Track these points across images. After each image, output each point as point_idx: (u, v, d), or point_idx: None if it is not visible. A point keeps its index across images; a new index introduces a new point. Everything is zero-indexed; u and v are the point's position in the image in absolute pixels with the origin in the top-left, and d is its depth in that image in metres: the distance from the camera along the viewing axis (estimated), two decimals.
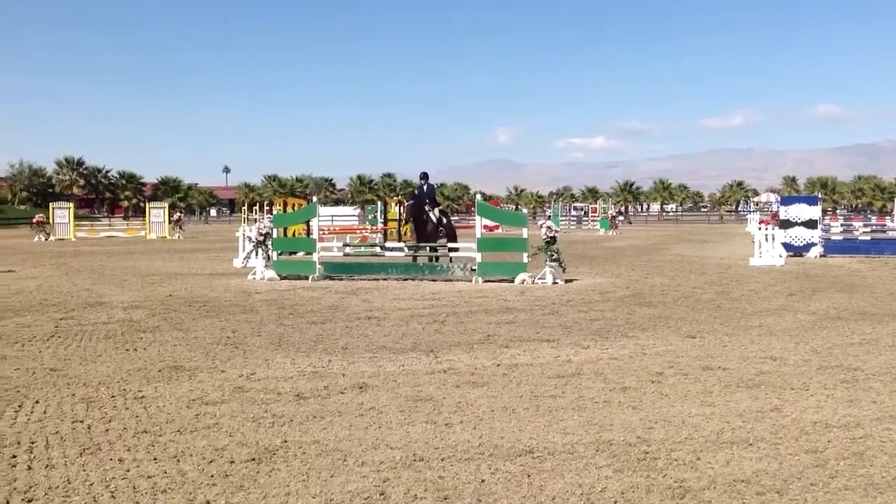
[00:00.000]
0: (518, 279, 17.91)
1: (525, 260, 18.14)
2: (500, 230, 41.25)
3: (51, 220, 48.53)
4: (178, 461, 5.46)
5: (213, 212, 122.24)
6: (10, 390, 7.64)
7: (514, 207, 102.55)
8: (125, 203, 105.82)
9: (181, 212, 64.88)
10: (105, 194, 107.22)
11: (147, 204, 58.16)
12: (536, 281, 17.79)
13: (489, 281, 18.20)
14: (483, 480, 5.11)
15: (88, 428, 6.30)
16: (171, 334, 11.09)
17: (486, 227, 20.52)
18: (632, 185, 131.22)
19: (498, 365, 8.90)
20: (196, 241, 43.47)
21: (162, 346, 10.19)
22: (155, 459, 5.49)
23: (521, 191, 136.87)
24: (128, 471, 5.24)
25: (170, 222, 51.77)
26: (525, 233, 18.41)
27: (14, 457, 5.54)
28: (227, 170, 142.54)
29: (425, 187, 21.26)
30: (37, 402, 7.19)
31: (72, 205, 53.20)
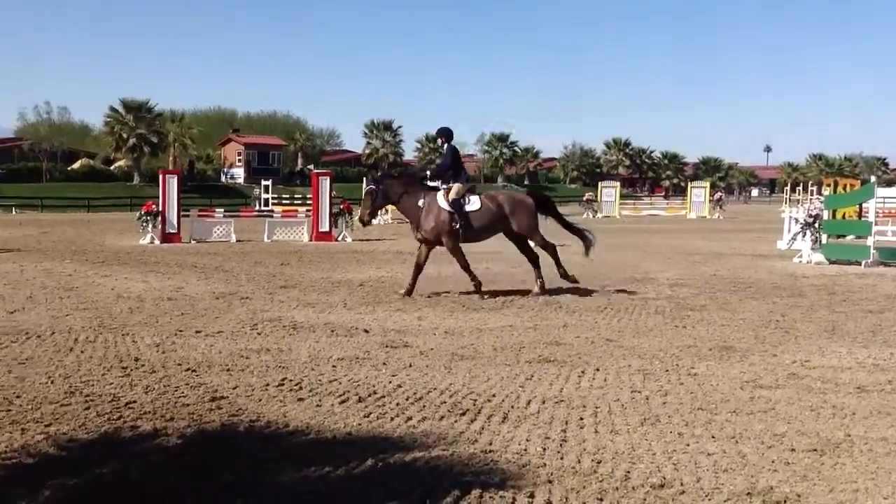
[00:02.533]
0: None
1: None
2: None
3: (598, 198, 51.61)
4: (737, 442, 5.42)
5: (753, 192, 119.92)
6: (572, 356, 8.25)
7: None
8: (666, 182, 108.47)
9: (722, 191, 64.65)
10: (647, 174, 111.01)
11: (688, 183, 59.04)
12: None
13: None
14: None
15: (646, 399, 6.55)
16: (718, 314, 11.08)
17: None
18: None
19: None
20: (736, 222, 43.08)
21: (710, 325, 10.23)
22: (713, 437, 5.51)
23: None
24: (687, 445, 5.34)
25: (710, 202, 51.90)
26: None
27: (581, 419, 5.96)
28: (768, 149, 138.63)
29: (445, 149, 13.43)
30: (597, 369, 7.66)
31: (618, 184, 56.07)
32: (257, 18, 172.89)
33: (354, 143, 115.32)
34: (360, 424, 5.78)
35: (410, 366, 7.71)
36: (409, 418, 5.92)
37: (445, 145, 13.33)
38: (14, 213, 50.07)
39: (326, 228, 26.10)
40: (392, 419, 5.90)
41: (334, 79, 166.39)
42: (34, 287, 13.24)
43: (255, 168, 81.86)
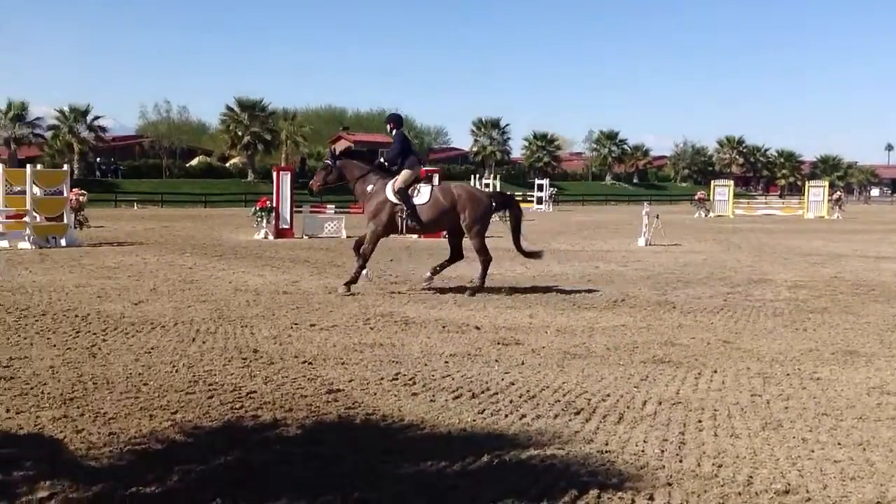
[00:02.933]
0: None
1: None
2: None
3: (711, 197, 50.52)
4: (864, 449, 5.23)
5: (874, 191, 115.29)
6: (688, 357, 8.08)
7: None
8: (781, 181, 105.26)
9: (841, 191, 62.32)
10: (762, 172, 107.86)
11: (805, 182, 57.21)
12: None
13: None
14: None
15: (767, 403, 6.37)
16: (840, 317, 10.70)
17: None
18: None
19: None
20: (856, 222, 41.49)
21: (832, 328, 9.88)
22: (839, 444, 5.33)
23: None
24: (812, 451, 5.17)
25: (829, 201, 50.14)
26: None
27: (700, 421, 5.83)
28: (889, 147, 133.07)
29: (393, 134, 12.91)
30: (714, 371, 7.49)
31: (731, 183, 54.73)
32: (368, 18, 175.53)
33: (462, 140, 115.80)
34: (474, 420, 5.80)
35: (523, 363, 7.70)
36: (524, 416, 5.90)
37: (395, 132, 12.86)
38: (136, 207, 52.07)
39: None
40: (506, 416, 5.90)
41: (442, 77, 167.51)
42: (157, 279, 13.74)
43: None
